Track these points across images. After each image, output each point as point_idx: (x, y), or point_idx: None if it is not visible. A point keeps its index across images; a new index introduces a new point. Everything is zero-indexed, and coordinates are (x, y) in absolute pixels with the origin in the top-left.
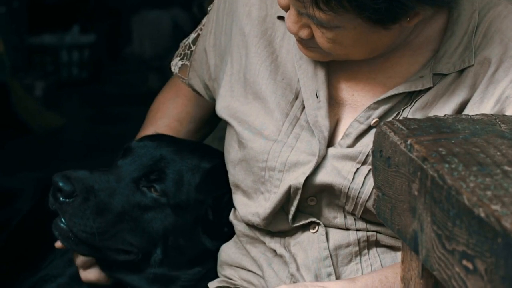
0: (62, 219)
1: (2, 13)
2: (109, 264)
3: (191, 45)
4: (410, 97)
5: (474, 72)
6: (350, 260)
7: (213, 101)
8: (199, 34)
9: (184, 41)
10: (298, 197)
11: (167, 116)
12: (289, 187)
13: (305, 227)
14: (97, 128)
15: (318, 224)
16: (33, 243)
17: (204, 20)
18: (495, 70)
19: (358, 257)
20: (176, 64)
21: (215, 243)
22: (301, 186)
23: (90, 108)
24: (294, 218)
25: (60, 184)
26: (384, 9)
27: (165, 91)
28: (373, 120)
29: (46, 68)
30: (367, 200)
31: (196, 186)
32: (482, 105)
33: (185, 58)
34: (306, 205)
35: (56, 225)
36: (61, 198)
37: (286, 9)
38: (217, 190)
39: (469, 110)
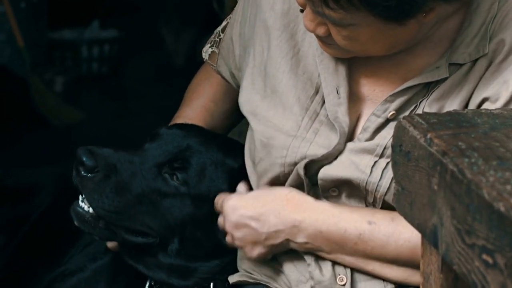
0: (80, 203)
1: (22, 8)
2: (129, 254)
3: (221, 33)
4: (427, 88)
5: (487, 61)
6: None
7: (238, 88)
8: (227, 23)
9: (218, 28)
10: (305, 182)
11: (203, 96)
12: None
13: None
14: (116, 123)
15: None
16: (53, 238)
17: (236, 8)
18: (503, 59)
19: None
20: (206, 50)
21: None
22: (302, 170)
23: (110, 103)
24: None
25: (83, 158)
26: (394, 6)
27: (199, 75)
28: (390, 113)
29: (66, 63)
30: (386, 194)
31: (218, 181)
32: (485, 89)
33: (214, 45)
34: (329, 195)
35: (74, 208)
36: (82, 172)
37: (303, 7)
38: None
39: (474, 97)
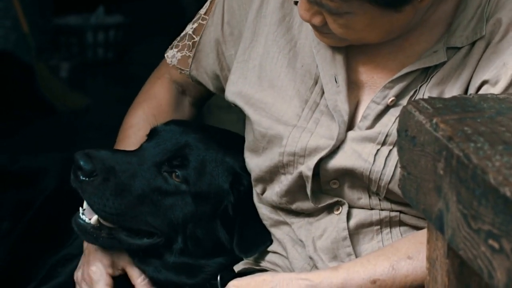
0: (81, 215)
1: None
2: (136, 259)
3: (194, 36)
4: (426, 73)
5: (485, 42)
6: (372, 239)
7: (218, 91)
8: (201, 24)
9: (183, 33)
10: (309, 183)
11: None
12: (300, 173)
13: (330, 209)
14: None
15: (343, 204)
16: (57, 223)
17: (202, 11)
18: (500, 39)
19: (380, 235)
20: (174, 55)
21: (231, 239)
22: (310, 173)
23: (115, 88)
24: (318, 199)
25: (81, 162)
26: None
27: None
28: (389, 99)
29: (72, 49)
30: (390, 182)
31: (219, 178)
32: (484, 72)
33: (186, 49)
34: (329, 188)
35: (75, 221)
36: (81, 177)
37: None
38: (240, 187)
39: (473, 80)
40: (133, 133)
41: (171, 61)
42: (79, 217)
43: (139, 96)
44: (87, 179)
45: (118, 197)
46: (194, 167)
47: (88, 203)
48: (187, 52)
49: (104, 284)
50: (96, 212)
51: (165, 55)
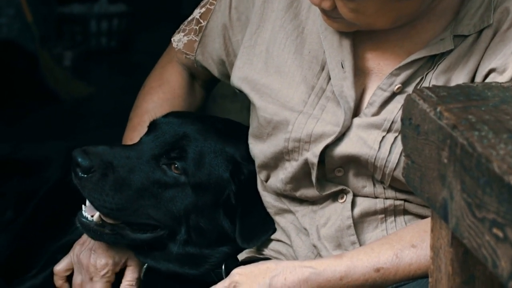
0: (83, 213)
1: None
2: (141, 253)
3: (201, 21)
4: (432, 61)
5: (492, 31)
6: (376, 227)
7: (222, 77)
8: (208, 9)
9: (191, 17)
10: (315, 170)
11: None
12: (306, 160)
13: (335, 197)
14: (126, 98)
15: (348, 193)
16: (60, 213)
17: None
18: (508, 27)
19: (384, 224)
20: (180, 39)
21: (234, 228)
22: (316, 160)
23: (119, 77)
24: (323, 187)
25: (78, 159)
26: None
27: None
28: (396, 86)
29: (75, 38)
30: (395, 169)
31: (219, 168)
32: (491, 60)
33: (192, 33)
34: (334, 176)
35: (79, 219)
36: (80, 174)
37: None
38: (240, 175)
39: (480, 68)
40: (148, 119)
41: (177, 45)
42: (82, 215)
43: (152, 80)
44: (85, 175)
45: (117, 192)
46: (192, 158)
47: (89, 200)
48: (193, 36)
49: (108, 281)
50: (97, 208)
51: (172, 39)
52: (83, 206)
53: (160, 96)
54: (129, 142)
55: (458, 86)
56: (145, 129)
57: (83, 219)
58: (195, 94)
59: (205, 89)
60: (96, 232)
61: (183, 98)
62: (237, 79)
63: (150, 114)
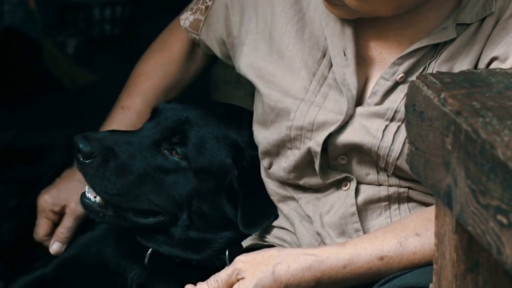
0: (87, 194)
1: None
2: (143, 236)
3: (207, 0)
4: (435, 50)
5: (494, 19)
6: (380, 215)
7: (225, 58)
8: None
9: None
10: (318, 159)
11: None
12: (309, 149)
13: (338, 185)
14: None
15: (351, 180)
16: None
17: None
18: (510, 15)
19: (388, 211)
20: (187, 18)
21: (237, 213)
22: (319, 148)
23: (122, 65)
24: (327, 175)
25: (80, 145)
26: None
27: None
28: (399, 75)
29: (78, 25)
30: (398, 158)
31: (221, 154)
32: (493, 49)
33: (198, 12)
34: (337, 163)
35: (82, 200)
36: (81, 159)
37: None
38: (243, 161)
39: (483, 56)
40: (140, 82)
41: (183, 23)
42: (85, 196)
43: (155, 44)
44: (87, 161)
45: (119, 178)
46: (193, 143)
47: (90, 185)
48: (199, 15)
49: (45, 217)
50: (98, 194)
51: (180, 17)
52: (86, 187)
53: (157, 60)
54: (119, 103)
55: (462, 72)
56: (135, 93)
57: (86, 200)
58: (196, 61)
59: (209, 57)
60: (98, 213)
61: (179, 64)
62: (244, 66)
63: (143, 78)
